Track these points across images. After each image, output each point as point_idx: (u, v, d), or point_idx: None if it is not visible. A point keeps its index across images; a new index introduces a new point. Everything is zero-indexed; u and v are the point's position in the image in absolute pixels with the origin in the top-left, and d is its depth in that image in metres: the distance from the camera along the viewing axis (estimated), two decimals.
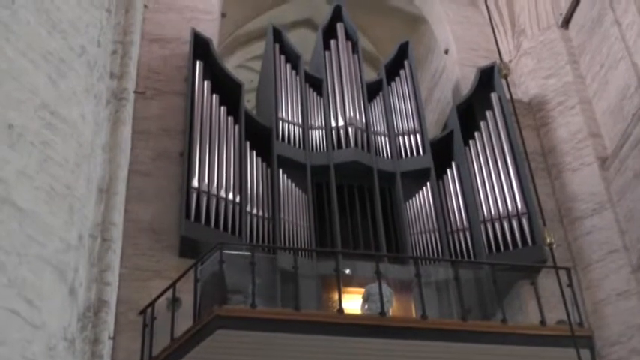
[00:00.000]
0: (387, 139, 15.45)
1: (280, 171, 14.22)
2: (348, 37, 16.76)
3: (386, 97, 16.11)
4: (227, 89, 14.67)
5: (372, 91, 16.24)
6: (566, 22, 17.02)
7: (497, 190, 14.65)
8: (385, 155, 15.20)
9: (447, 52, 18.33)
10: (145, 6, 14.97)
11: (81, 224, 6.42)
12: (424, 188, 14.89)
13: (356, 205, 14.68)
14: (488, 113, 15.70)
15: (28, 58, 6.20)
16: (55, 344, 5.65)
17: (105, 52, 7.94)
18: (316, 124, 15.29)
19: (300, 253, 13.04)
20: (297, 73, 15.90)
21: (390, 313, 12.07)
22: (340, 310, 11.43)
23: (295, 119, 15.09)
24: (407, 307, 13.04)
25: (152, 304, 11.68)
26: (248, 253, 11.76)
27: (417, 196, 14.87)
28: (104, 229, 7.39)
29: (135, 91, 9.07)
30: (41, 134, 6.03)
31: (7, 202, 5.51)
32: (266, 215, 13.66)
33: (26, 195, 5.69)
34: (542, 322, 11.96)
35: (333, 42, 16.57)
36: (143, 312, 11.70)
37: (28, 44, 6.25)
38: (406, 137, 15.49)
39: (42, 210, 5.81)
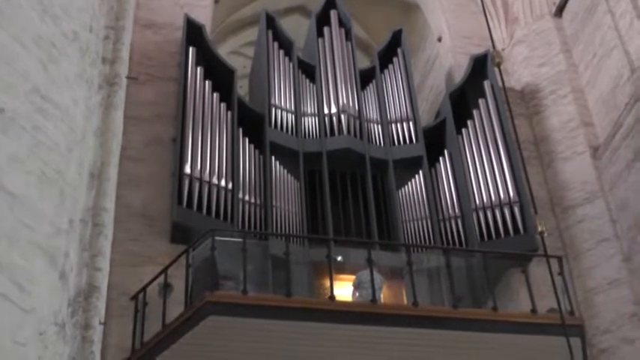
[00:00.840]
0: (379, 126, 15.45)
1: (273, 157, 14.23)
2: (342, 24, 16.74)
3: (379, 84, 16.11)
4: (220, 75, 14.65)
5: (365, 78, 16.24)
6: (559, 11, 17.04)
7: (489, 178, 14.67)
8: (378, 143, 15.21)
9: (440, 39, 18.33)
10: None
11: (72, 209, 6.40)
12: (416, 176, 14.91)
13: (348, 192, 14.69)
14: (481, 101, 15.71)
15: (20, 42, 6.16)
16: (45, 329, 5.64)
17: (97, 38, 7.90)
18: (309, 111, 15.29)
19: (292, 239, 13.05)
20: (290, 60, 15.88)
21: (381, 301, 12.10)
22: (332, 297, 11.46)
23: (288, 106, 15.09)
24: (398, 294, 13.09)
25: (143, 289, 11.69)
26: (240, 240, 11.77)
27: (409, 183, 14.89)
28: (95, 214, 7.37)
29: (127, 77, 9.02)
30: (32, 119, 6.00)
31: None
32: (258, 202, 13.67)
33: (17, 179, 5.67)
34: (533, 311, 11.99)
35: (326, 29, 16.56)
36: (134, 298, 11.72)
37: (19, 28, 6.21)
38: (399, 125, 15.50)
39: (33, 194, 5.79)
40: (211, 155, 13.48)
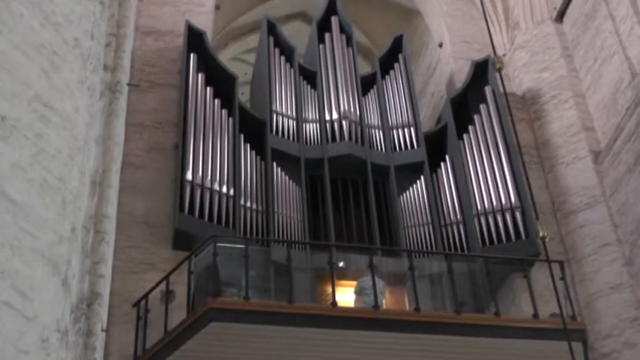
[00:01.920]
0: (381, 132, 15.44)
1: (274, 164, 14.22)
2: (343, 30, 16.74)
3: (380, 90, 16.11)
4: (221, 82, 14.66)
5: (367, 84, 16.24)
6: (560, 16, 17.03)
7: (490, 183, 14.66)
8: (379, 148, 15.21)
9: (441, 45, 18.32)
10: None
11: (74, 216, 6.42)
12: (418, 181, 14.89)
13: (350, 198, 14.68)
14: (482, 107, 15.70)
15: (21, 50, 6.20)
16: (48, 336, 5.66)
17: (98, 45, 7.93)
18: (310, 117, 15.29)
19: (293, 246, 13.03)
20: (291, 66, 15.89)
21: (384, 307, 12.10)
22: (334, 303, 11.47)
23: (289, 112, 15.09)
24: (400, 300, 13.09)
25: (146, 296, 11.71)
26: (242, 246, 11.79)
27: (410, 189, 14.87)
28: (97, 221, 7.39)
29: (129, 84, 9.04)
30: (34, 126, 6.03)
31: (0, 194, 5.51)
32: (260, 208, 13.66)
33: (19, 187, 5.69)
34: (535, 316, 12.01)
35: (327, 35, 16.56)
36: (137, 304, 11.73)
37: (21, 37, 6.25)
38: (400, 130, 15.49)
39: (35, 202, 5.81)
40: (213, 162, 13.48)
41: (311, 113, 15.37)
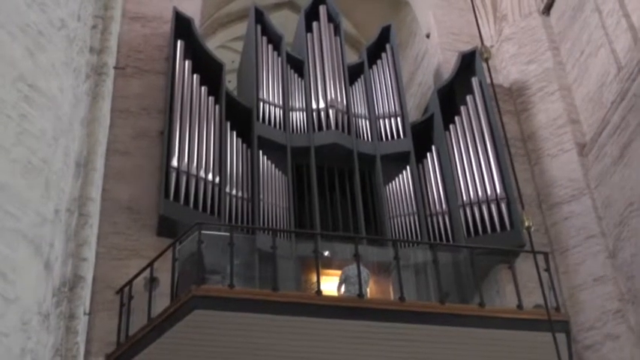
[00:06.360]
0: (367, 121, 15.43)
1: (260, 152, 14.18)
2: (330, 19, 16.70)
3: (367, 79, 16.08)
4: (208, 69, 14.59)
5: (354, 73, 16.20)
6: (547, 9, 17.07)
7: (476, 174, 14.67)
8: (365, 138, 15.19)
9: (428, 36, 18.29)
10: None
11: (57, 198, 6.37)
12: (404, 171, 14.89)
13: (336, 187, 14.66)
14: (468, 98, 15.70)
15: (6, 30, 6.14)
16: (29, 319, 5.61)
17: (85, 27, 7.88)
18: (297, 106, 15.26)
19: (279, 234, 12.99)
20: (278, 55, 15.83)
21: (368, 296, 12.09)
22: (318, 291, 11.45)
23: (276, 100, 15.04)
24: (385, 289, 13.09)
25: (129, 283, 11.65)
26: (227, 234, 11.73)
27: (396, 179, 14.87)
28: (81, 203, 7.35)
29: (115, 67, 9.00)
30: (19, 107, 5.97)
31: None
32: (245, 196, 13.63)
33: (2, 168, 5.64)
34: (520, 306, 12.01)
35: (315, 24, 16.51)
36: (120, 291, 11.67)
37: (6, 16, 6.18)
38: (387, 120, 15.47)
39: (18, 183, 5.76)
40: (199, 149, 13.43)
41: (298, 102, 15.34)
